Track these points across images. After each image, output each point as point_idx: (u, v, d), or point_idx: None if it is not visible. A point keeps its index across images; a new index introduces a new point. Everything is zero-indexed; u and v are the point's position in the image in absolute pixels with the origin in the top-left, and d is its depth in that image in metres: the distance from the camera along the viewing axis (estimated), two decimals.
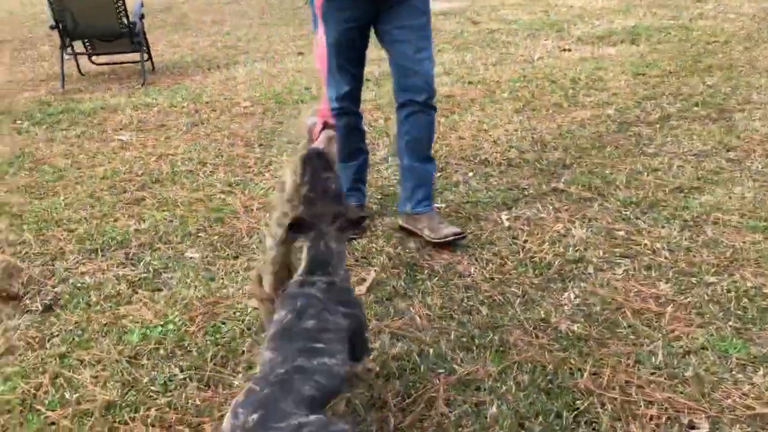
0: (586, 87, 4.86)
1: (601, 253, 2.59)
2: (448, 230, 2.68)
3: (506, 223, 2.86)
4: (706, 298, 2.27)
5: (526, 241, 2.70)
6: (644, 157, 3.52)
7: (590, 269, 2.48)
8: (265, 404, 1.27)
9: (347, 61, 2.69)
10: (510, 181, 3.29)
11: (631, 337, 2.09)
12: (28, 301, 2.44)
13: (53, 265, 2.68)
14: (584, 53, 5.92)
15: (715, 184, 3.14)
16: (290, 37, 7.53)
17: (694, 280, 2.38)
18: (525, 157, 3.59)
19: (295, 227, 1.62)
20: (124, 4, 5.52)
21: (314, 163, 1.70)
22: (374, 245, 2.73)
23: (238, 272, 2.57)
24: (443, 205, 3.06)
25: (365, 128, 2.98)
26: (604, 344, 2.06)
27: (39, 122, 4.61)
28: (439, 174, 3.39)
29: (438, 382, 1.91)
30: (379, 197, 3.21)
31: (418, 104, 2.65)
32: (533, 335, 2.11)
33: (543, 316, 2.21)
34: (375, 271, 2.53)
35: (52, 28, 5.54)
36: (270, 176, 3.46)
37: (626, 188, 3.15)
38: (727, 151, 3.53)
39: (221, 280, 2.52)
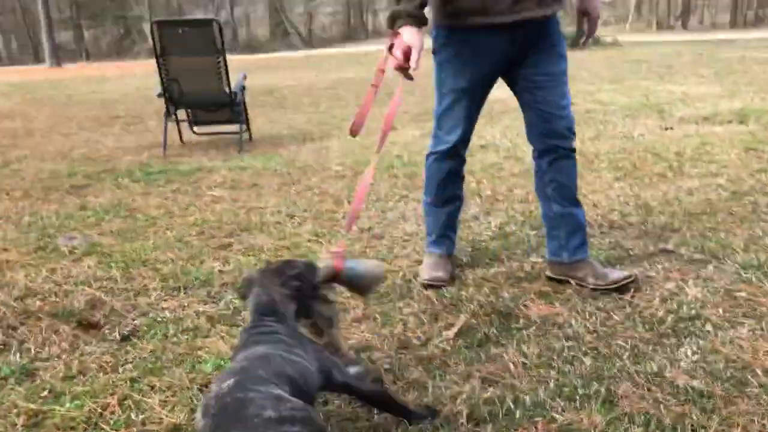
0: (692, 159, 4.59)
1: (721, 312, 2.30)
2: (618, 275, 2.52)
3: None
4: None
5: (633, 297, 2.45)
6: (763, 223, 3.21)
7: (708, 327, 2.20)
8: (242, 372, 1.32)
9: (476, 106, 2.61)
10: (613, 242, 3.06)
11: (765, 397, 1.78)
12: (107, 331, 2.38)
13: (136, 300, 2.64)
14: (688, 131, 5.67)
15: None
16: (382, 113, 7.65)
17: None
18: (628, 220, 3.36)
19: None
20: (227, 75, 5.80)
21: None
22: (464, 293, 2.55)
23: None
24: (539, 260, 2.85)
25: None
26: (731, 402, 1.76)
27: (138, 180, 4.78)
28: (535, 232, 3.21)
29: (536, 429, 1.68)
30: (470, 249, 3.05)
31: (563, 150, 2.57)
32: (645, 388, 1.84)
33: (656, 369, 1.94)
34: (465, 316, 2.34)
35: (159, 96, 5.87)
36: (358, 229, 3.37)
37: (744, 252, 2.85)
38: None
39: None
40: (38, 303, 2.63)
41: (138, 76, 17.25)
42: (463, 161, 2.76)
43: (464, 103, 2.58)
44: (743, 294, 2.44)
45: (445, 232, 2.80)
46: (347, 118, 7.67)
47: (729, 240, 2.99)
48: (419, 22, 2.27)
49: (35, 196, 4.43)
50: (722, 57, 13.90)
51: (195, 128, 6.56)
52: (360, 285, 1.99)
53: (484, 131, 6.05)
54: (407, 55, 2.23)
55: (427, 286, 2.63)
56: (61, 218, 3.84)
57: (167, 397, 1.91)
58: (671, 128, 5.86)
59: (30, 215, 3.93)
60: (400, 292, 2.60)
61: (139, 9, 40.16)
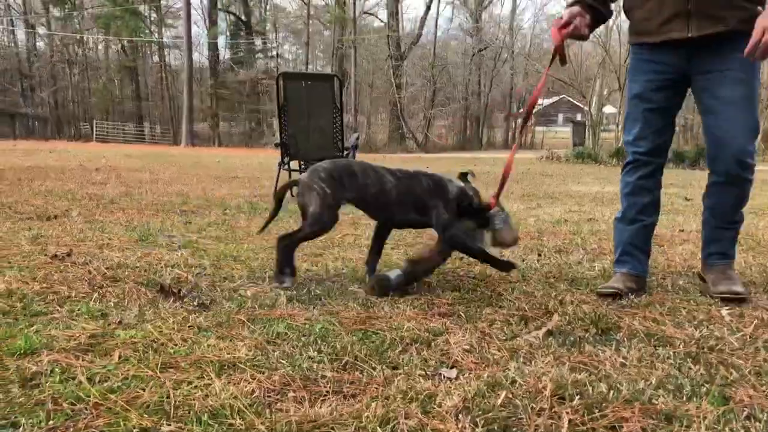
0: None
1: None
2: (725, 287, 2.54)
3: (727, 318, 2.33)
4: None
5: (755, 331, 2.15)
6: None
7: None
8: None
9: (653, 113, 2.64)
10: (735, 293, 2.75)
11: None
12: (186, 300, 2.36)
13: (221, 284, 2.62)
14: None
15: None
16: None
17: None
18: (751, 280, 3.02)
19: None
20: (342, 131, 5.98)
21: None
22: (560, 307, 2.34)
23: (399, 306, 2.31)
24: (641, 298, 2.60)
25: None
26: None
27: (244, 211, 4.91)
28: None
29: (632, 411, 1.44)
30: (570, 280, 2.83)
31: (730, 176, 2.54)
32: None
33: None
34: (558, 317, 2.13)
35: (276, 145, 6.12)
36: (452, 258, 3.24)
37: None
38: None
39: (381, 307, 2.27)
40: (127, 272, 2.67)
41: (262, 157, 18.26)
42: (652, 174, 2.71)
43: (640, 108, 2.66)
44: None
45: (629, 249, 2.73)
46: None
47: None
48: (581, 3, 2.57)
49: (147, 212, 4.63)
50: None
51: None
52: (503, 235, 2.66)
53: (593, 210, 5.83)
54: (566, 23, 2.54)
55: (600, 295, 2.57)
56: (165, 226, 3.97)
57: (232, 341, 1.83)
58: None
59: (137, 222, 4.09)
60: (489, 301, 2.43)
61: (272, 104, 43.24)
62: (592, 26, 2.63)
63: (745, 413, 1.44)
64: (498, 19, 44.13)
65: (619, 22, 22.11)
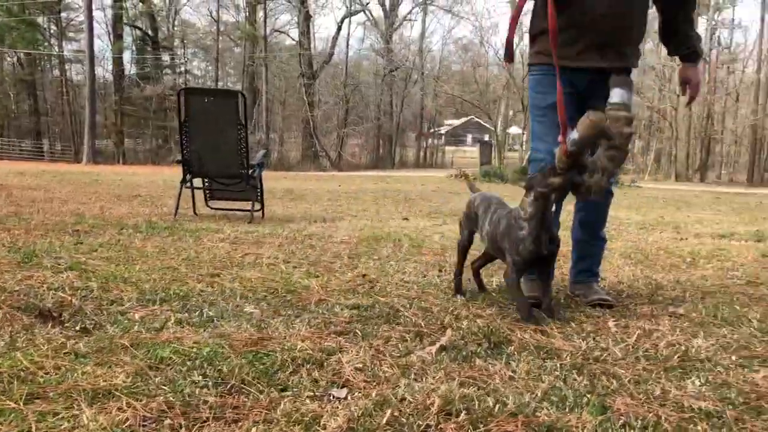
0: (706, 258, 4.43)
1: (734, 359, 2.08)
2: (597, 296, 2.79)
3: (613, 329, 2.42)
4: None
5: (638, 340, 2.25)
6: None
7: (719, 368, 1.98)
8: None
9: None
10: (621, 305, 2.86)
11: None
12: (68, 324, 2.22)
13: (108, 307, 2.49)
14: (704, 242, 5.54)
15: None
16: (398, 211, 7.68)
17: None
18: (638, 293, 3.18)
19: None
20: (247, 149, 5.87)
21: None
22: (455, 322, 2.36)
23: (295, 325, 2.26)
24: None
25: None
26: (743, 422, 1.54)
27: (141, 231, 4.72)
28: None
29: (515, 425, 1.46)
30: (467, 296, 2.87)
31: None
32: (646, 405, 1.62)
33: (659, 392, 1.72)
34: (451, 332, 2.15)
35: (177, 162, 5.93)
36: (354, 275, 3.23)
37: (761, 322, 2.63)
38: None
39: (275, 328, 2.22)
40: (3, 296, 2.49)
41: (168, 175, 17.70)
42: None
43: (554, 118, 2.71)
44: (759, 350, 2.22)
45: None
46: (362, 210, 7.69)
47: (744, 311, 2.79)
48: None
49: (35, 233, 4.37)
50: (739, 200, 13.94)
51: (210, 203, 6.57)
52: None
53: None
54: None
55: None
56: (53, 246, 3.75)
57: (110, 368, 1.73)
58: (686, 238, 5.74)
59: (23, 243, 3.85)
60: (387, 318, 2.42)
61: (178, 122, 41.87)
62: None
63: (621, 421, 1.49)
64: (408, 41, 44.95)
65: (522, 46, 23.03)
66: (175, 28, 43.91)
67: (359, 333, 2.19)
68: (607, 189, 2.72)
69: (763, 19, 34.54)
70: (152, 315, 2.38)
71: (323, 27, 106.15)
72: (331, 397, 1.60)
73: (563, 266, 3.44)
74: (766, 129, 33.92)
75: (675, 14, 2.90)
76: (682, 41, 2.92)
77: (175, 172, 15.64)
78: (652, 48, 39.04)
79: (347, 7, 41.29)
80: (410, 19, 44.27)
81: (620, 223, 7.04)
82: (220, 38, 41.51)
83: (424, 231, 5.47)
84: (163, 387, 1.62)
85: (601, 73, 2.70)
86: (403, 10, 43.85)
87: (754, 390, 1.78)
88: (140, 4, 41.82)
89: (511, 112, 40.23)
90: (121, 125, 42.44)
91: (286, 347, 1.98)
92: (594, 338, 2.24)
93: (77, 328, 2.16)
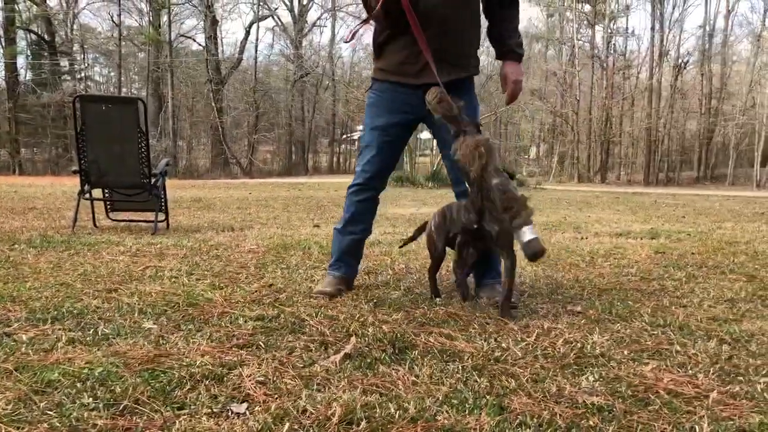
0: (604, 256, 4.64)
1: (626, 353, 2.19)
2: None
3: (515, 329, 2.48)
4: (760, 389, 1.83)
5: (537, 339, 2.32)
6: (671, 297, 3.19)
7: (612, 363, 2.07)
8: None
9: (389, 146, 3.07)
10: (523, 304, 2.95)
11: (665, 411, 1.65)
12: None
13: None
14: (602, 240, 5.80)
15: (758, 318, 2.77)
16: (309, 218, 7.63)
17: (741, 378, 1.95)
18: (539, 292, 3.28)
19: None
20: (148, 158, 5.67)
21: None
22: (361, 330, 2.35)
23: (195, 340, 2.20)
24: (443, 308, 2.70)
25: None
26: (631, 413, 1.61)
27: (36, 246, 4.46)
28: (443, 296, 3.08)
29: (415, 429, 1.47)
30: (374, 302, 2.88)
31: None
32: (542, 403, 1.67)
33: (555, 390, 1.78)
34: (355, 340, 2.14)
35: (74, 172, 5.66)
36: (260, 286, 3.17)
37: (652, 316, 2.78)
38: (763, 300, 3.19)
39: (174, 343, 2.14)
40: None
41: (67, 185, 16.85)
42: (377, 193, 3.16)
43: (381, 139, 3.04)
44: (650, 343, 2.34)
45: (342, 257, 3.11)
46: (272, 218, 7.59)
47: (636, 307, 2.94)
48: None
49: None
50: (636, 200, 14.72)
51: (111, 214, 6.30)
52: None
53: (407, 231, 6.04)
54: None
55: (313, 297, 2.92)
56: None
57: None
58: (586, 238, 5.99)
59: None
60: (292, 327, 2.39)
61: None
62: None
63: (517, 421, 1.52)
64: (318, 47, 44.87)
65: None
66: (74, 33, 41.94)
67: (262, 345, 2.15)
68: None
69: (653, 28, 36.71)
70: (42, 335, 2.24)
71: (231, 32, 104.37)
72: (230, 413, 1.56)
73: None
74: (660, 131, 36.00)
75: (496, 21, 3.04)
76: (499, 42, 3.05)
77: (76, 183, 14.89)
78: (553, 55, 40.73)
79: (255, 13, 40.80)
80: (320, 25, 44.24)
81: None
82: (123, 43, 40.01)
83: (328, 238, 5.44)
84: (49, 412, 1.53)
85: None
86: (312, 15, 43.72)
87: (643, 382, 1.86)
88: (34, 6, 39.75)
89: None
90: (16, 134, 40.16)
91: (184, 363, 1.92)
92: (495, 339, 2.29)
93: None
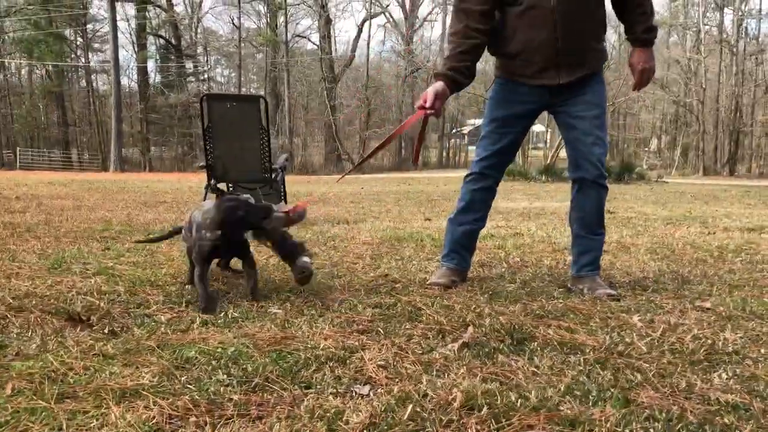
0: (735, 252, 4.36)
1: (763, 351, 2.05)
2: (603, 290, 2.86)
3: (638, 324, 2.39)
4: None
5: (663, 334, 2.22)
6: None
7: (748, 361, 1.95)
8: None
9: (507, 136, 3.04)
10: (646, 300, 2.84)
11: None
12: (96, 327, 2.26)
13: (135, 311, 2.52)
14: (732, 236, 5.45)
15: None
16: (420, 211, 7.68)
17: None
18: (664, 287, 3.14)
19: None
20: (269, 153, 5.92)
21: None
22: (478, 320, 2.36)
23: (318, 324, 2.28)
24: (562, 301, 2.65)
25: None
26: None
27: None
28: (561, 289, 3.02)
29: (537, 419, 1.46)
30: (489, 294, 2.87)
31: (588, 182, 2.95)
32: (671, 398, 1.61)
33: (685, 385, 1.71)
34: (473, 329, 2.15)
35: (201, 167, 6.00)
36: (377, 275, 3.24)
37: None
38: None
39: (299, 327, 2.24)
40: (35, 301, 2.55)
41: (194, 181, 17.91)
42: (496, 182, 3.14)
43: (499, 131, 3.04)
44: None
45: (456, 248, 3.12)
46: (385, 211, 7.71)
47: None
48: (445, 77, 2.86)
49: (65, 240, 4.46)
50: None
51: None
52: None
53: (520, 225, 5.96)
54: (425, 99, 2.83)
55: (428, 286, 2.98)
56: (82, 252, 3.83)
57: (137, 368, 1.77)
58: (714, 233, 5.65)
59: (53, 250, 3.93)
60: (409, 316, 2.43)
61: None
62: (451, 94, 2.94)
63: (645, 414, 1.48)
64: (429, 42, 44.90)
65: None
66: (198, 36, 44.41)
67: (381, 331, 2.21)
68: (601, 184, 2.95)
69: None
70: (178, 317, 2.41)
71: (344, 30, 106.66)
72: (354, 394, 1.62)
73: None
74: None
75: (625, 7, 2.94)
76: (628, 30, 2.97)
77: (201, 179, 15.82)
78: (676, 41, 38.53)
79: (367, 10, 41.43)
80: (431, 20, 44.25)
81: (646, 219, 6.97)
82: (242, 45, 41.88)
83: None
84: (189, 386, 1.65)
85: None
86: (423, 11, 43.81)
87: None
88: (163, 13, 42.36)
89: None
90: (147, 133, 43.07)
91: (309, 346, 2.00)
92: (618, 333, 2.22)
93: (105, 330, 2.20)
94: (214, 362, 1.84)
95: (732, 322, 2.43)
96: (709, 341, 2.14)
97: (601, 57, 3.01)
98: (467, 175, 3.14)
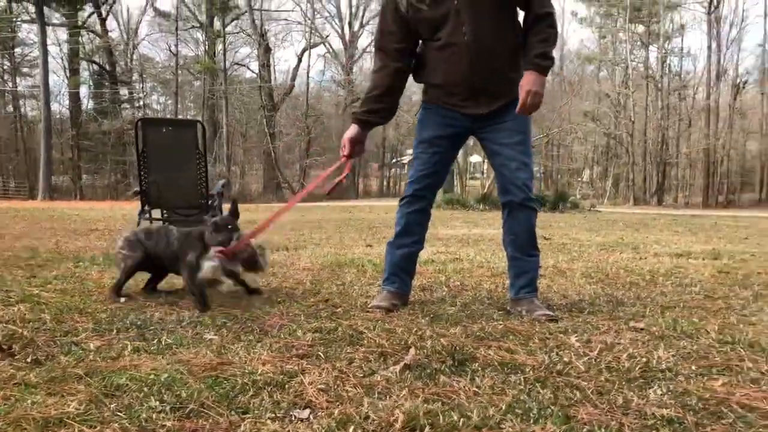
0: (665, 275, 4.51)
1: (694, 368, 2.11)
2: (541, 312, 2.89)
3: (576, 344, 2.43)
4: None
5: (600, 353, 2.26)
6: (738, 315, 3.07)
7: (680, 378, 2.00)
8: None
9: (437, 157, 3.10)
10: (583, 321, 2.88)
11: (740, 424, 1.58)
12: (19, 356, 2.14)
13: (62, 339, 2.40)
14: (662, 261, 5.64)
15: None
16: (362, 238, 7.67)
17: None
18: (599, 309, 3.20)
19: None
20: (206, 180, 5.82)
21: None
22: (419, 342, 2.34)
23: (256, 350, 2.22)
24: (502, 322, 2.67)
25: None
26: (704, 426, 1.55)
27: (99, 263, 4.61)
28: (501, 312, 3.05)
29: None
30: (430, 317, 2.86)
31: (516, 204, 3.03)
32: (609, 414, 1.63)
33: (621, 402, 1.73)
34: (414, 351, 2.13)
35: (135, 193, 5.84)
36: (317, 300, 3.19)
37: (719, 333, 2.68)
38: None
39: (236, 353, 2.17)
40: None
41: (127, 209, 17.40)
42: (429, 205, 3.17)
43: (428, 152, 3.10)
44: (718, 359, 2.25)
45: (396, 271, 3.11)
46: (326, 238, 7.66)
47: (702, 324, 2.84)
48: (358, 122, 3.07)
49: None
50: (695, 221, 14.31)
51: None
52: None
53: (459, 251, 6.01)
54: (344, 147, 3.08)
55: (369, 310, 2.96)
56: (4, 280, 3.64)
57: (62, 397, 1.67)
58: (645, 258, 5.84)
59: None
60: (350, 340, 2.40)
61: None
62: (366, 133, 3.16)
63: (585, 430, 1.49)
64: (368, 72, 45.34)
65: None
66: (134, 63, 43.59)
67: (322, 355, 2.16)
68: (529, 206, 3.04)
69: (710, 48, 35.91)
70: (108, 344, 2.31)
71: (283, 59, 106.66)
72: (293, 418, 1.57)
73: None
74: (719, 153, 35.00)
75: (527, 35, 3.01)
76: (525, 53, 3.00)
77: (135, 206, 15.37)
78: (606, 76, 40.18)
79: (307, 40, 41.66)
80: (370, 51, 44.76)
81: (581, 245, 7.15)
82: (180, 72, 41.33)
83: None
84: (119, 413, 1.57)
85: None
86: (363, 42, 44.35)
87: (714, 396, 1.80)
88: (97, 38, 41.48)
89: (471, 141, 40.83)
90: (78, 161, 41.76)
91: (246, 371, 1.94)
92: (557, 353, 2.25)
93: (28, 359, 2.08)
94: (146, 389, 1.76)
95: (664, 342, 2.49)
96: (644, 359, 2.18)
97: (516, 84, 3.03)
98: (401, 199, 3.17)
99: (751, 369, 2.11)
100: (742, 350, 2.36)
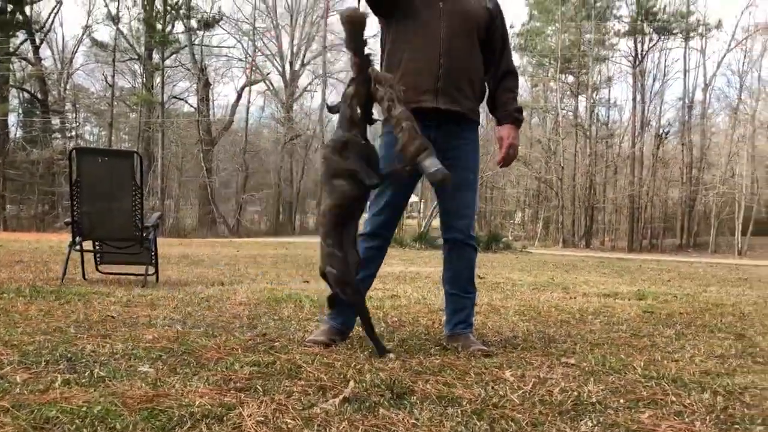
0: (594, 314, 4.68)
1: (622, 401, 2.20)
2: (477, 347, 2.96)
3: (510, 378, 2.49)
4: None
5: (534, 387, 2.32)
6: (662, 352, 3.21)
7: (609, 410, 2.08)
8: None
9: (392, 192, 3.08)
10: (517, 356, 2.96)
11: None
12: None
13: None
14: (591, 300, 5.84)
15: (749, 372, 2.80)
16: (299, 274, 7.63)
17: (737, 426, 1.97)
18: (532, 345, 3.29)
19: None
20: (141, 211, 5.70)
21: None
22: (358, 375, 2.36)
23: (192, 383, 2.19)
24: (439, 358, 2.71)
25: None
26: None
27: (25, 295, 4.43)
28: (438, 347, 3.10)
29: None
30: (368, 351, 2.88)
31: (459, 242, 3.10)
32: None
33: None
34: (354, 384, 2.15)
35: (66, 224, 5.66)
36: (254, 335, 3.16)
37: (645, 369, 2.80)
38: (753, 357, 3.22)
39: (171, 385, 2.13)
40: None
41: (54, 240, 16.75)
42: (386, 242, 3.21)
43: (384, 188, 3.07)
44: (644, 393, 2.35)
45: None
46: (262, 274, 7.58)
47: (629, 360, 2.96)
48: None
49: None
50: (621, 264, 14.86)
51: (100, 267, 6.27)
52: None
53: (397, 288, 6.06)
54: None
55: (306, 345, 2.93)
56: None
57: None
58: (575, 297, 6.03)
59: None
60: (288, 373, 2.39)
61: (68, 185, 39.85)
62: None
63: None
64: (308, 110, 45.60)
65: None
66: (67, 92, 42.44)
67: (260, 388, 2.15)
68: (471, 245, 3.12)
69: (635, 99, 37.78)
70: (36, 377, 2.23)
71: (223, 94, 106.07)
72: None
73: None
74: (643, 199, 36.55)
75: (499, 90, 3.18)
76: (500, 107, 3.18)
77: (63, 238, 14.90)
78: (537, 122, 41.64)
79: (247, 77, 41.59)
80: (310, 90, 45.10)
81: (514, 284, 7.32)
82: (116, 103, 40.50)
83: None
84: None
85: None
86: (303, 81, 44.62)
87: (641, 428, 1.88)
88: (29, 66, 40.31)
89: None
90: (3, 191, 40.03)
91: (183, 403, 1.91)
92: (492, 387, 2.30)
93: None
94: (78, 421, 1.71)
95: (594, 376, 2.58)
96: (575, 393, 2.26)
97: (476, 112, 3.15)
98: (360, 234, 3.13)
99: (675, 402, 2.21)
100: (666, 385, 2.47)
